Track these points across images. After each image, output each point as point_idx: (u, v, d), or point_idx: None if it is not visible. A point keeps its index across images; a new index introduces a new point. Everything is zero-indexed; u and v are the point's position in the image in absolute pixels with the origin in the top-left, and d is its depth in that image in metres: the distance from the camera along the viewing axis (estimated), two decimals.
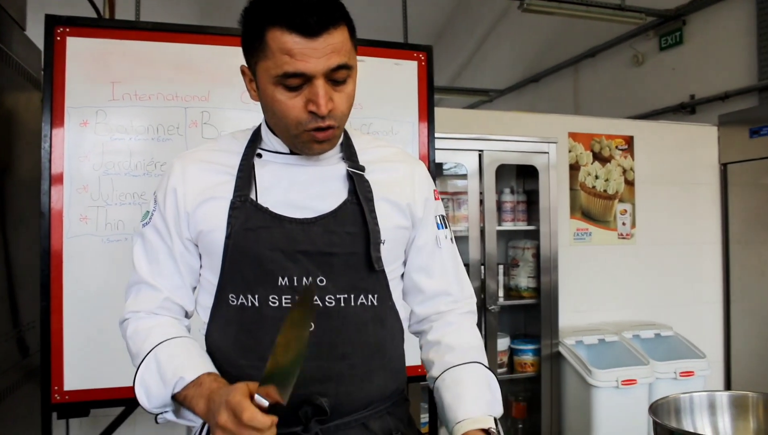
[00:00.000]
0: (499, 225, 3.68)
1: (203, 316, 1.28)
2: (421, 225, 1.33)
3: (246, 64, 1.22)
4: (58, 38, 2.40)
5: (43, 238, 2.37)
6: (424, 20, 7.74)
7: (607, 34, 6.27)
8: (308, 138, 1.17)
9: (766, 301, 4.05)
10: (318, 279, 1.19)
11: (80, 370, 2.40)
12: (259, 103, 1.20)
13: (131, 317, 1.25)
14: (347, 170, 1.26)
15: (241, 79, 2.72)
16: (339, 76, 1.14)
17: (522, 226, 3.79)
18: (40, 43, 2.78)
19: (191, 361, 1.14)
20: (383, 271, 1.26)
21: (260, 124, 1.32)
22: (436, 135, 2.92)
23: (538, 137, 3.64)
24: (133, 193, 2.46)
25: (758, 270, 4.13)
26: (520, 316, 3.98)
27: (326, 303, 1.19)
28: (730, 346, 4.33)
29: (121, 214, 2.46)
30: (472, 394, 1.21)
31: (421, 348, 1.40)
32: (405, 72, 2.88)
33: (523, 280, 3.72)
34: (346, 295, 1.21)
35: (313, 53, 1.09)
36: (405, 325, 1.36)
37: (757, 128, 4.07)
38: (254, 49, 1.15)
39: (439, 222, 1.36)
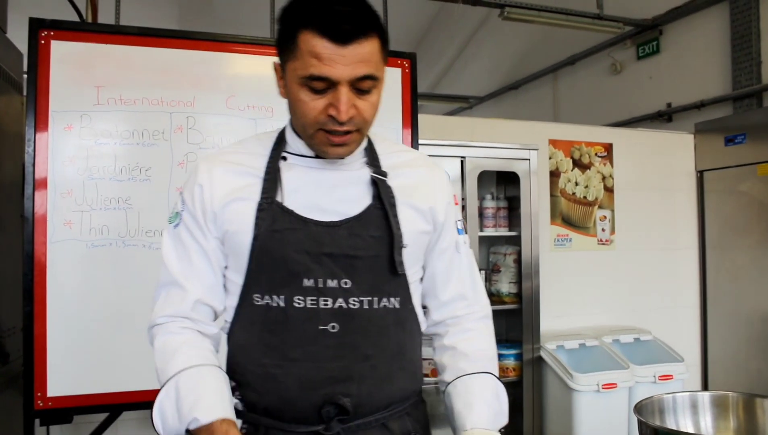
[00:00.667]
0: (481, 231, 3.71)
1: (226, 316, 1.30)
2: (443, 229, 1.35)
3: (279, 62, 1.23)
4: (42, 42, 2.39)
5: (27, 242, 2.35)
6: (404, 27, 7.79)
7: (586, 43, 6.36)
8: (323, 139, 1.19)
9: (740, 305, 4.13)
10: (342, 281, 1.21)
11: (63, 376, 2.38)
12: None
13: (162, 325, 1.25)
14: (371, 176, 1.28)
15: (226, 85, 2.75)
16: (364, 85, 1.16)
17: (503, 232, 3.82)
18: (20, 46, 2.77)
19: (209, 400, 1.13)
20: (405, 275, 1.28)
21: (285, 127, 1.33)
22: (419, 141, 2.94)
23: (519, 144, 3.68)
24: (118, 198, 2.45)
25: (733, 274, 4.21)
26: (502, 322, 4.00)
27: (350, 305, 1.21)
28: (707, 349, 4.40)
29: (106, 219, 2.44)
30: (482, 405, 1.26)
31: (434, 350, 1.43)
32: (389, 79, 2.86)
33: (505, 285, 3.75)
34: (369, 298, 1.23)
35: (340, 60, 1.11)
36: (423, 327, 1.38)
37: (732, 136, 4.15)
38: (286, 48, 1.17)
39: (459, 227, 1.39)
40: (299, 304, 1.20)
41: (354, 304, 1.22)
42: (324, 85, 1.13)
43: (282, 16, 1.18)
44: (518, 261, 3.70)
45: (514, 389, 3.74)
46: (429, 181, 1.35)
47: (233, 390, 1.25)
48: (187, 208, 1.28)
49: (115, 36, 2.50)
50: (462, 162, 3.55)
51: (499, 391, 1.33)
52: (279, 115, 2.65)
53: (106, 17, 3.54)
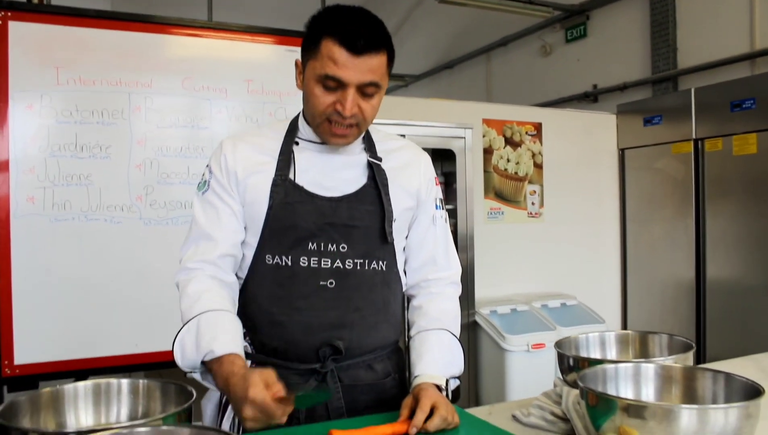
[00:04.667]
0: None
1: (240, 273, 1.51)
2: (422, 206, 1.59)
3: (300, 59, 1.45)
4: (0, 22, 2.46)
5: None
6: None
7: (518, 25, 6.64)
8: (327, 129, 1.41)
9: (656, 273, 4.51)
10: (340, 246, 1.45)
11: (30, 345, 2.49)
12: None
13: (192, 270, 1.44)
14: (368, 160, 1.51)
15: (183, 67, 2.88)
16: (368, 90, 1.39)
17: None
18: None
19: (224, 338, 1.33)
20: (393, 243, 1.52)
21: (297, 116, 1.54)
22: None
23: (455, 123, 3.91)
24: (80, 174, 2.56)
25: (650, 245, 4.58)
26: None
27: (346, 265, 1.45)
28: (627, 312, 4.78)
29: (68, 195, 2.55)
30: (432, 355, 1.49)
31: (407, 310, 1.67)
32: None
33: None
34: (361, 260, 1.47)
35: (352, 66, 1.34)
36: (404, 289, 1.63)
37: (650, 117, 4.49)
38: (309, 49, 1.39)
39: (437, 204, 1.63)
40: (304, 263, 1.43)
41: (349, 265, 1.45)
42: (335, 85, 1.36)
43: (310, 23, 1.41)
44: (454, 233, 3.95)
45: None
46: (415, 164, 1.60)
47: (244, 335, 1.47)
48: (214, 176, 1.48)
49: (74, 18, 2.58)
50: None
51: (453, 344, 1.54)
52: (232, 96, 2.81)
53: None
